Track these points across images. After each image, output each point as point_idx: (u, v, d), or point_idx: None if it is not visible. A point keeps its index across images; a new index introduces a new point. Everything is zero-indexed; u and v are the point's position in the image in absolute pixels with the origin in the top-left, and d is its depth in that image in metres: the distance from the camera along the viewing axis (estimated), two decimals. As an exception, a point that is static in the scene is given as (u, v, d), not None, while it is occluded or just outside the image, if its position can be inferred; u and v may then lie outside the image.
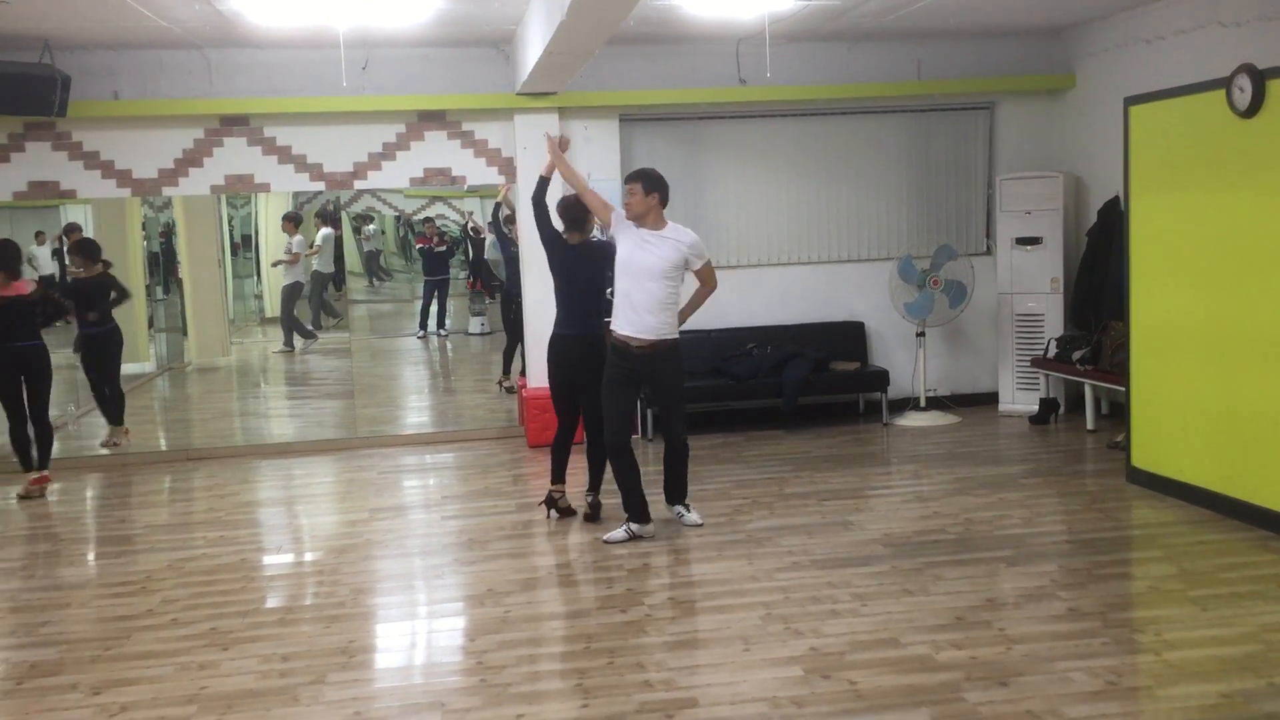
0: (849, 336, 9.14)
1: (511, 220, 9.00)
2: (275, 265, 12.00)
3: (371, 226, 14.53)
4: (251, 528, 6.63)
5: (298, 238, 11.68)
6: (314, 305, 12.41)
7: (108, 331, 8.46)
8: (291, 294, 11.86)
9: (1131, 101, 6.53)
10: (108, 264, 8.48)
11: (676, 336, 5.98)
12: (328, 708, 4.00)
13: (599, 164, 8.60)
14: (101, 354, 8.53)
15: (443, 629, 4.90)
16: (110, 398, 8.70)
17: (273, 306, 13.34)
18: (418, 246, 13.41)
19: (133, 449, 8.78)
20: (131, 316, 10.91)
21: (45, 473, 7.57)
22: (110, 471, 8.25)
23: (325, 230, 11.85)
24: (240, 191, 8.82)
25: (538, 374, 8.67)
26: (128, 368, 11.27)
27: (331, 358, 12.10)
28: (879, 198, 9.25)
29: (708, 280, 6.14)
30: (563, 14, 5.53)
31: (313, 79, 8.24)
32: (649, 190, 5.89)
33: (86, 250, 8.39)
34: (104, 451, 8.67)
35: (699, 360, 8.77)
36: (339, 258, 12.13)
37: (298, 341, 12.11)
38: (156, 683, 4.27)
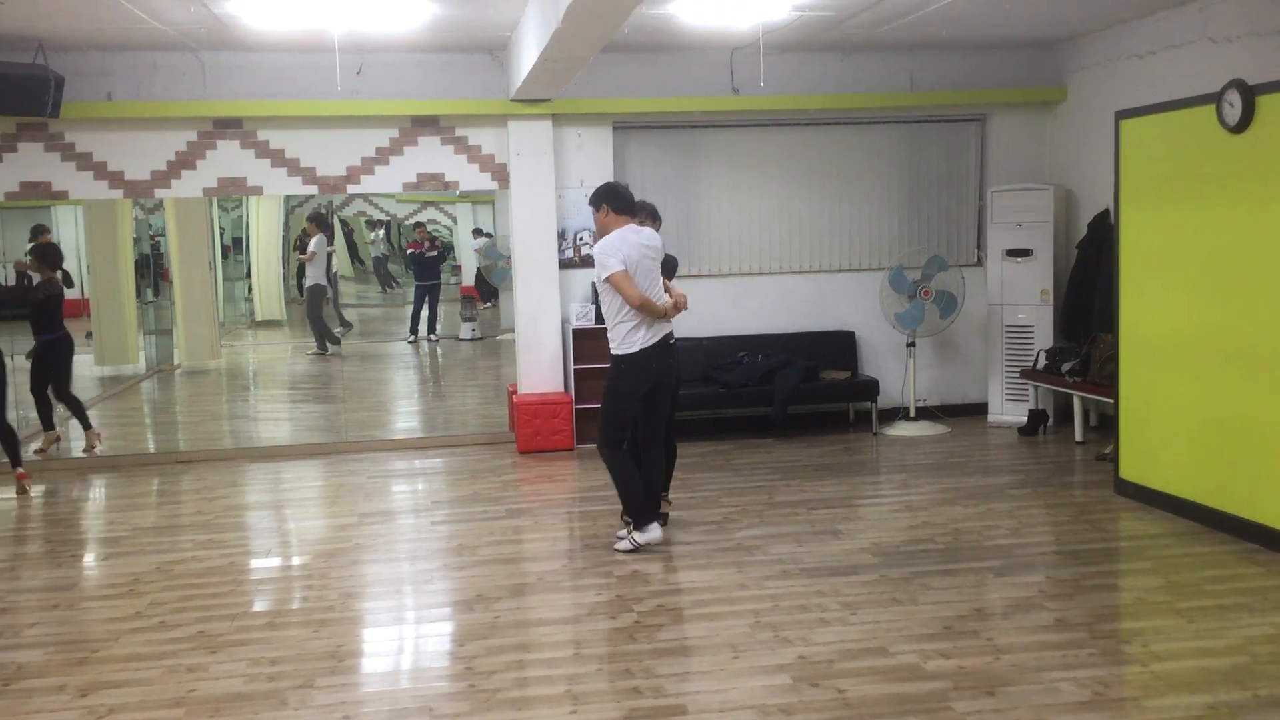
0: (840, 346, 9.16)
1: None
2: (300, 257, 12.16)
3: (381, 231, 14.51)
4: (240, 531, 6.62)
5: (318, 237, 11.67)
6: (335, 309, 12.47)
7: (59, 338, 8.38)
8: (315, 296, 11.83)
9: (1122, 115, 6.58)
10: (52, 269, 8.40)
11: (616, 353, 5.71)
12: (316, 712, 4.00)
13: (591, 172, 8.62)
14: (58, 360, 8.44)
15: (431, 634, 4.90)
16: (71, 403, 8.62)
17: (263, 310, 13.35)
18: (408, 251, 13.42)
19: (121, 451, 8.74)
20: (121, 318, 10.88)
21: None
22: (98, 474, 8.22)
23: (319, 236, 11.84)
24: (233, 194, 8.81)
25: (529, 380, 8.68)
26: (116, 369, 11.26)
27: (321, 362, 12.09)
28: (871, 208, 9.28)
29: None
30: (558, 21, 5.54)
31: (307, 83, 8.25)
32: (595, 207, 5.80)
33: (44, 256, 8.30)
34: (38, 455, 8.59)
35: (690, 368, 8.78)
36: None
37: (329, 346, 12.10)
38: (144, 685, 4.26)
